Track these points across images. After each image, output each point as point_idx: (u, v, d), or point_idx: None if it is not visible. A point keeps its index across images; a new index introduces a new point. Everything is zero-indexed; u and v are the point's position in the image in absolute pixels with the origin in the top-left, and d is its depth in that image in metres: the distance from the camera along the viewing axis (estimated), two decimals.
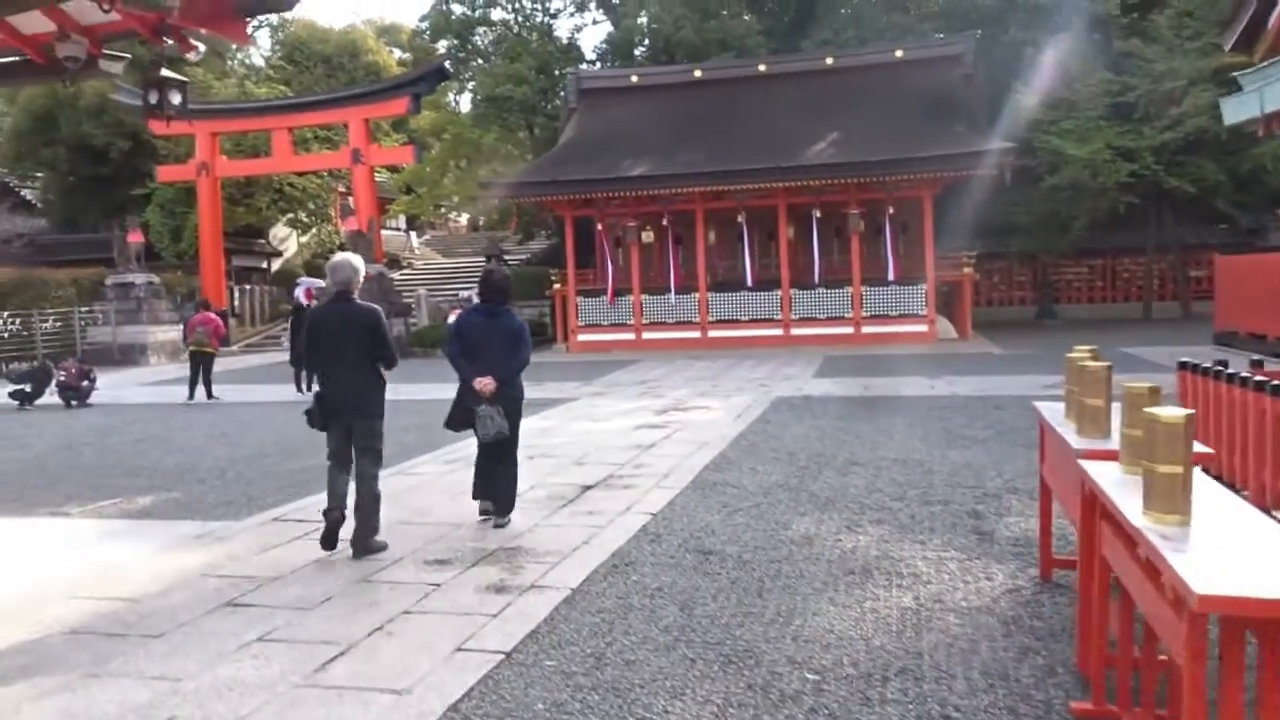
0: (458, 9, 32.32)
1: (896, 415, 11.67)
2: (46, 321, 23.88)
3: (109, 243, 27.26)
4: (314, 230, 36.90)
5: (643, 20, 30.88)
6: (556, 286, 26.11)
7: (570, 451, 9.79)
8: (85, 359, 22.27)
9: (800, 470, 8.45)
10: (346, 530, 6.13)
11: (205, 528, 7.01)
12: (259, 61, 39.80)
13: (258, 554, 6.24)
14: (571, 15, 35.30)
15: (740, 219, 23.24)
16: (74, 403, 16.06)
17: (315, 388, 6.29)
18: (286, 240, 38.05)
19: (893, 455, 9.03)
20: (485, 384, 6.44)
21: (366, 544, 6.02)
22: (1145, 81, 23.72)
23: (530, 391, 16.22)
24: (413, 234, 45.88)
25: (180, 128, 29.13)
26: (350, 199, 27.63)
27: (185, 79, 6.78)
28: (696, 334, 23.71)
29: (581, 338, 24.42)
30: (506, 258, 32.07)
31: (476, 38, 32.99)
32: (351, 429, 6.08)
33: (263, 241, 36.40)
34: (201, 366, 16.24)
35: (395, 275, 32.36)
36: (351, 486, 6.15)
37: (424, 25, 33.49)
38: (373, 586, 5.46)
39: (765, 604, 4.97)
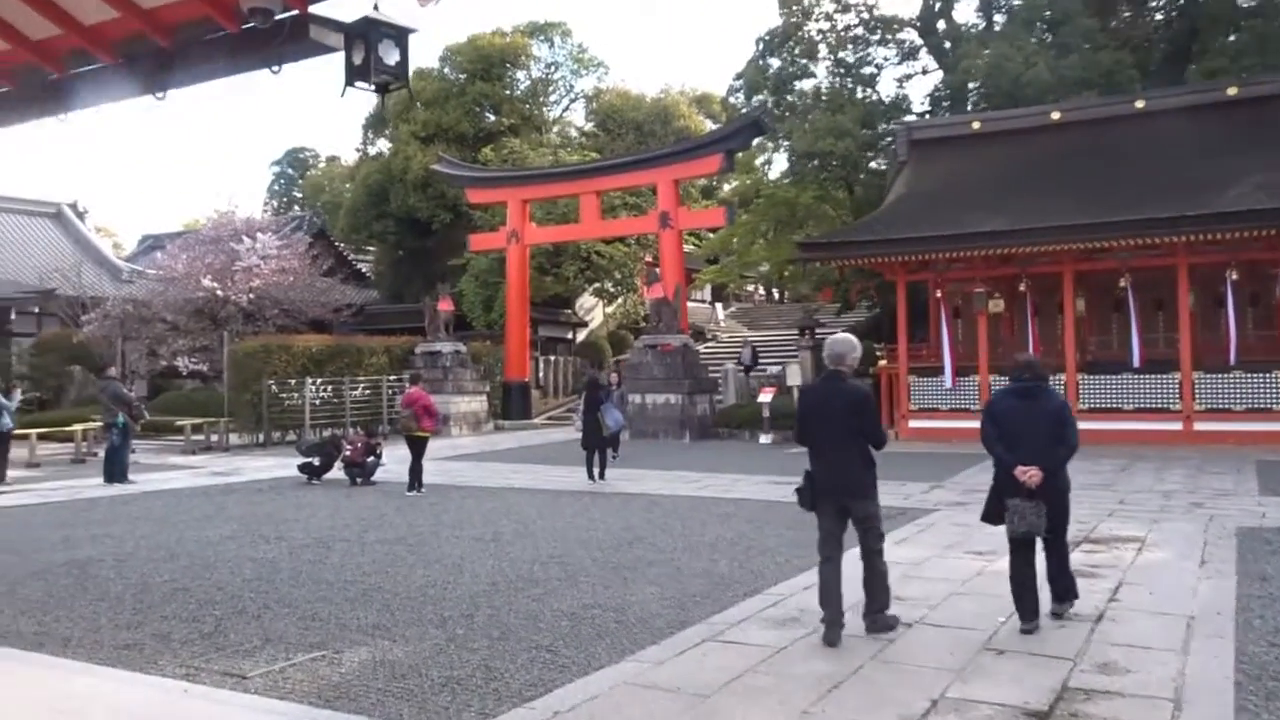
0: (774, 63, 30.13)
1: None
2: (356, 389, 23.74)
3: (425, 312, 27.27)
4: (620, 300, 35.85)
5: (981, 62, 26.96)
6: (882, 363, 22.54)
7: (965, 616, 6.32)
8: (389, 427, 21.74)
9: None
10: None
11: None
12: (573, 132, 40.00)
13: None
14: (898, 64, 31.88)
15: (1123, 282, 18.62)
16: (358, 480, 14.73)
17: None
18: (592, 310, 37.35)
19: None
20: (1031, 475, 5.87)
21: (879, 620, 5.89)
22: None
23: None
24: (718, 306, 44.03)
25: (494, 196, 29.03)
26: (656, 266, 25.86)
27: (406, 26, 4.53)
28: None
29: (913, 424, 20.64)
30: (820, 331, 28.91)
31: (792, 94, 30.60)
32: (845, 509, 5.96)
33: (569, 312, 35.85)
34: (412, 451, 13.71)
35: (699, 348, 30.22)
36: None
37: (738, 84, 31.62)
38: None
39: None
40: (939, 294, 20.69)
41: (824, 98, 29.74)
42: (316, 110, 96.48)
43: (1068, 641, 5.73)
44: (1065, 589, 6.29)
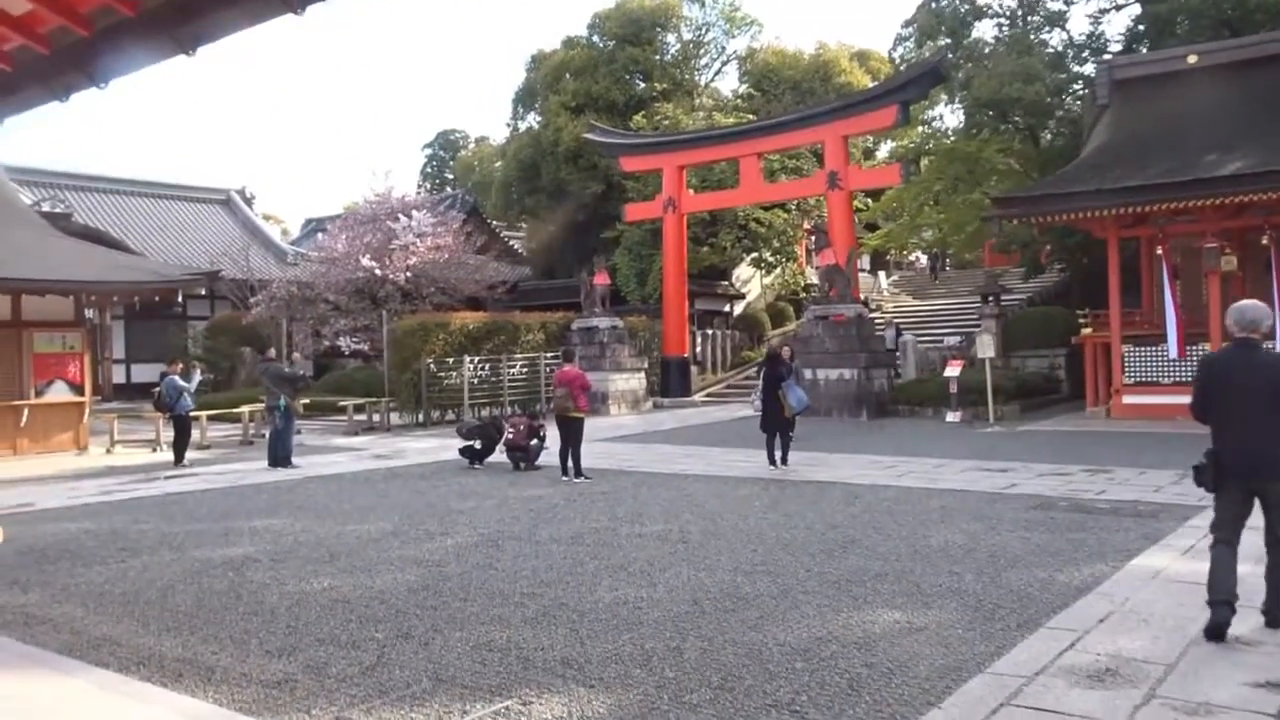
0: (949, 5, 27.61)
1: None
2: (514, 367, 23.07)
3: (580, 287, 26.46)
4: (778, 270, 34.09)
5: None
6: (1086, 331, 20.18)
7: None
8: (546, 405, 20.94)
9: None
10: None
11: None
12: (726, 94, 38.26)
13: None
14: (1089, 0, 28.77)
15: None
16: (521, 465, 13.84)
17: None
18: (749, 282, 35.75)
19: None
20: None
21: None
22: None
23: (1098, 483, 10.99)
24: (880, 274, 41.62)
25: (649, 163, 27.81)
26: (819, 231, 24.08)
27: None
28: None
29: (1128, 399, 18.27)
30: (1005, 298, 26.48)
31: (968, 39, 27.98)
32: (1256, 492, 5.41)
33: (726, 284, 34.37)
34: (571, 433, 12.57)
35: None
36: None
37: (906, 32, 29.26)
38: None
39: None
40: (1159, 251, 18.18)
41: (1006, 40, 27.06)
42: (466, 92, 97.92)
43: None
44: None
